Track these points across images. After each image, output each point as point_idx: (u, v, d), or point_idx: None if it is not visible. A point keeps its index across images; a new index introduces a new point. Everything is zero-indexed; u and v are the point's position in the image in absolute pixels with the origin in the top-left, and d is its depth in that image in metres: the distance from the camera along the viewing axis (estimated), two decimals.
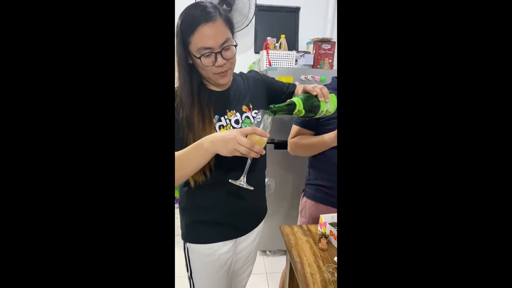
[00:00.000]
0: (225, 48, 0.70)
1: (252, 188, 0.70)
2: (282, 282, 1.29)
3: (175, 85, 0.75)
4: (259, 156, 0.63)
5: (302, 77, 1.70)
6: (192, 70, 0.74)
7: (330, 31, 2.16)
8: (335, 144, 0.96)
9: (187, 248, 0.84)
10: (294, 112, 0.70)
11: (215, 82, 0.76)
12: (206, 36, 0.67)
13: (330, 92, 0.75)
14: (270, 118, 0.67)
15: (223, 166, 0.76)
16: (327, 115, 0.80)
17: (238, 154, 0.62)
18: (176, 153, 0.67)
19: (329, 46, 1.79)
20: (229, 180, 0.71)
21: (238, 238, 0.88)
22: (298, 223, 1.23)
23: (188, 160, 0.67)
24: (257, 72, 0.93)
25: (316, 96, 0.72)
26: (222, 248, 0.83)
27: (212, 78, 0.74)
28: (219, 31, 0.68)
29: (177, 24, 0.69)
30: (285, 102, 0.71)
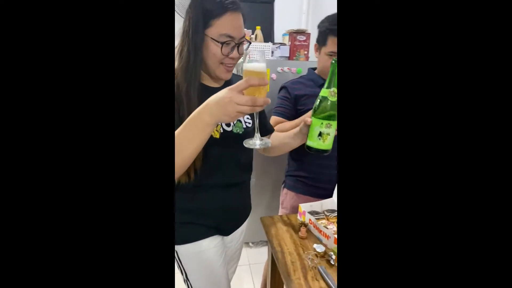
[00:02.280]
0: (241, 43, 0.69)
1: (270, 144, 0.65)
2: (266, 273, 1.31)
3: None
4: (265, 106, 0.55)
5: (279, 69, 1.70)
6: (196, 53, 0.68)
7: (305, 22, 2.17)
8: None
9: (176, 251, 0.82)
10: (333, 89, 0.67)
11: (217, 75, 0.72)
12: (232, 25, 0.66)
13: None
14: (259, 54, 0.57)
15: (208, 168, 0.73)
16: (319, 146, 0.72)
17: (241, 116, 0.55)
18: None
19: (304, 38, 1.80)
20: (244, 144, 0.66)
21: (224, 237, 0.88)
22: (279, 214, 1.25)
23: (189, 140, 0.58)
24: None
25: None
26: (210, 244, 0.82)
27: (216, 70, 0.71)
28: (242, 25, 0.68)
29: (199, 3, 0.66)
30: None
